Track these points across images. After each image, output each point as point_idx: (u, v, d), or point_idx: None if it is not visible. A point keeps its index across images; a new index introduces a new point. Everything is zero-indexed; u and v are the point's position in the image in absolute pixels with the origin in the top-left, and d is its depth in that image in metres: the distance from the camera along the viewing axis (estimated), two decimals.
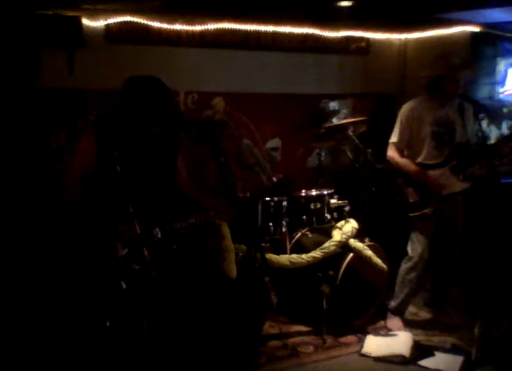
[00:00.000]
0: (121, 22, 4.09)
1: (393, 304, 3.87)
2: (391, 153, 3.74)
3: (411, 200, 3.68)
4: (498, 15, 4.46)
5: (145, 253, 2.43)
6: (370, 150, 4.08)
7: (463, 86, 3.61)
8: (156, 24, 4.22)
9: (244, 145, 4.19)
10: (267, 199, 3.72)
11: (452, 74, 3.53)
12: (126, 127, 2.72)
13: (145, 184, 2.76)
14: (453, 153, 3.64)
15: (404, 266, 3.82)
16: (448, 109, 3.65)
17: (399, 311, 3.87)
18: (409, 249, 3.81)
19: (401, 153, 3.73)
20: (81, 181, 2.66)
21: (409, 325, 3.83)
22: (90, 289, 3.01)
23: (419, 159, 3.69)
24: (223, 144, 3.92)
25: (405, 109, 3.74)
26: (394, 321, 3.83)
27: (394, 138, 3.73)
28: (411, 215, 3.69)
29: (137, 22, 4.14)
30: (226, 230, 3.26)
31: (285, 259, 3.69)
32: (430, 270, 4.00)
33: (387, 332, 3.70)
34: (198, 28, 4.39)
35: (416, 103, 3.72)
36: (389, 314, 3.88)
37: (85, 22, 3.92)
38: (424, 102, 3.69)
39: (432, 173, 3.65)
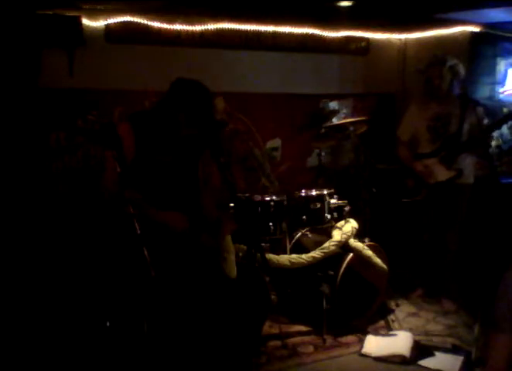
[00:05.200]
0: (121, 22, 4.09)
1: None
2: (397, 146, 4.10)
3: (408, 187, 4.01)
4: (498, 14, 4.46)
5: (145, 253, 2.43)
6: (370, 150, 4.09)
7: (450, 83, 3.83)
8: (156, 24, 4.23)
9: (250, 148, 4.20)
10: (267, 198, 3.72)
11: (425, 73, 3.89)
12: (161, 125, 2.75)
13: (169, 184, 2.77)
14: (443, 144, 3.89)
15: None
16: (446, 105, 3.90)
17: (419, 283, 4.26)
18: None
19: (403, 144, 4.06)
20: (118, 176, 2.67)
21: (409, 324, 3.84)
22: (92, 288, 3.02)
23: (419, 150, 4.00)
24: (224, 144, 3.94)
25: (408, 107, 4.13)
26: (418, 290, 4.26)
27: (398, 133, 4.12)
28: (403, 200, 4.02)
29: (137, 22, 4.15)
30: None
31: (285, 259, 3.69)
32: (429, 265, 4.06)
33: (387, 332, 3.70)
34: (198, 28, 4.39)
35: (417, 100, 4.08)
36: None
37: (85, 22, 3.92)
38: (423, 99, 4.01)
39: (424, 162, 3.93)
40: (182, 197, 2.82)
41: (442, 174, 3.90)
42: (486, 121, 3.95)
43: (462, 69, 3.88)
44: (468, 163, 3.92)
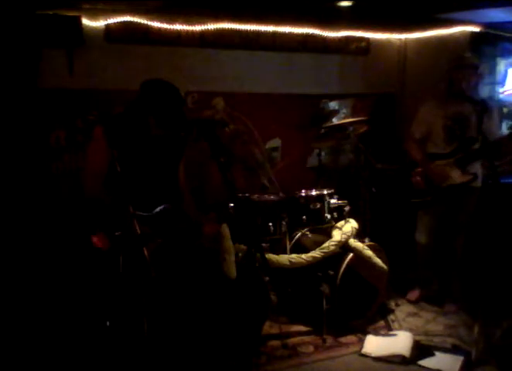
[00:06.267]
0: (121, 22, 4.09)
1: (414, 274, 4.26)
2: (407, 143, 4.03)
3: (416, 187, 3.91)
4: (498, 14, 4.46)
5: (145, 253, 2.43)
6: (370, 150, 4.09)
7: (473, 86, 3.79)
8: (156, 24, 4.23)
9: (250, 148, 4.20)
10: (267, 198, 3.71)
11: (451, 74, 3.79)
12: (133, 127, 2.76)
13: (148, 184, 2.79)
14: (460, 146, 3.82)
15: (417, 249, 4.15)
16: (464, 106, 3.83)
17: (417, 282, 4.22)
18: (415, 236, 4.11)
19: (415, 142, 3.98)
20: (99, 180, 2.71)
21: (409, 324, 3.84)
22: (91, 288, 3.01)
23: (432, 150, 3.92)
24: (224, 144, 3.93)
25: (424, 104, 4.02)
26: (412, 293, 4.20)
27: (411, 129, 4.02)
28: (412, 200, 3.94)
29: (137, 22, 4.15)
30: (226, 231, 3.26)
31: (284, 259, 3.68)
32: (433, 267, 4.05)
33: (387, 332, 3.70)
34: (198, 28, 4.39)
35: (434, 99, 3.98)
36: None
37: (85, 22, 3.92)
38: (441, 98, 3.93)
39: (437, 163, 3.85)
40: (162, 196, 2.84)
41: (457, 177, 3.83)
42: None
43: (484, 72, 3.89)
44: (479, 166, 3.89)
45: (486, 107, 3.79)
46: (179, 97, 2.83)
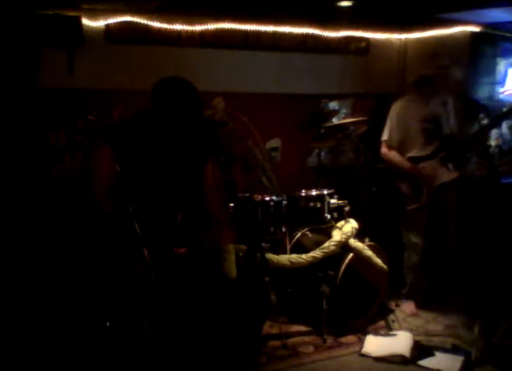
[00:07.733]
0: (121, 22, 4.09)
1: (404, 289, 4.14)
2: (384, 150, 3.96)
3: (406, 194, 3.90)
4: (498, 14, 4.46)
5: (145, 253, 2.43)
6: (370, 150, 4.09)
7: (458, 85, 3.85)
8: (156, 24, 4.22)
9: (249, 147, 4.19)
10: (267, 198, 3.71)
11: (442, 73, 3.76)
12: (150, 128, 2.73)
13: (168, 187, 2.76)
14: (441, 145, 3.83)
15: (405, 255, 4.09)
16: (433, 105, 3.84)
17: (410, 296, 4.11)
18: (404, 240, 4.05)
19: (393, 149, 3.92)
20: (108, 191, 2.66)
21: (409, 324, 3.84)
22: (92, 289, 3.01)
23: (411, 154, 3.88)
24: (225, 144, 3.92)
25: (395, 107, 3.96)
26: (407, 305, 4.08)
27: (385, 136, 3.95)
28: (407, 208, 3.90)
29: (137, 22, 4.14)
30: None
31: (284, 259, 3.69)
32: (427, 268, 4.05)
33: (387, 332, 3.71)
34: (198, 28, 4.39)
35: (405, 101, 3.95)
36: (403, 300, 4.14)
37: (85, 22, 3.92)
38: (413, 100, 3.90)
39: (423, 165, 3.83)
40: (184, 201, 2.82)
41: (445, 175, 3.85)
42: (483, 122, 3.96)
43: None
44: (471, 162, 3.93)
45: (451, 102, 3.82)
46: (195, 94, 2.73)
